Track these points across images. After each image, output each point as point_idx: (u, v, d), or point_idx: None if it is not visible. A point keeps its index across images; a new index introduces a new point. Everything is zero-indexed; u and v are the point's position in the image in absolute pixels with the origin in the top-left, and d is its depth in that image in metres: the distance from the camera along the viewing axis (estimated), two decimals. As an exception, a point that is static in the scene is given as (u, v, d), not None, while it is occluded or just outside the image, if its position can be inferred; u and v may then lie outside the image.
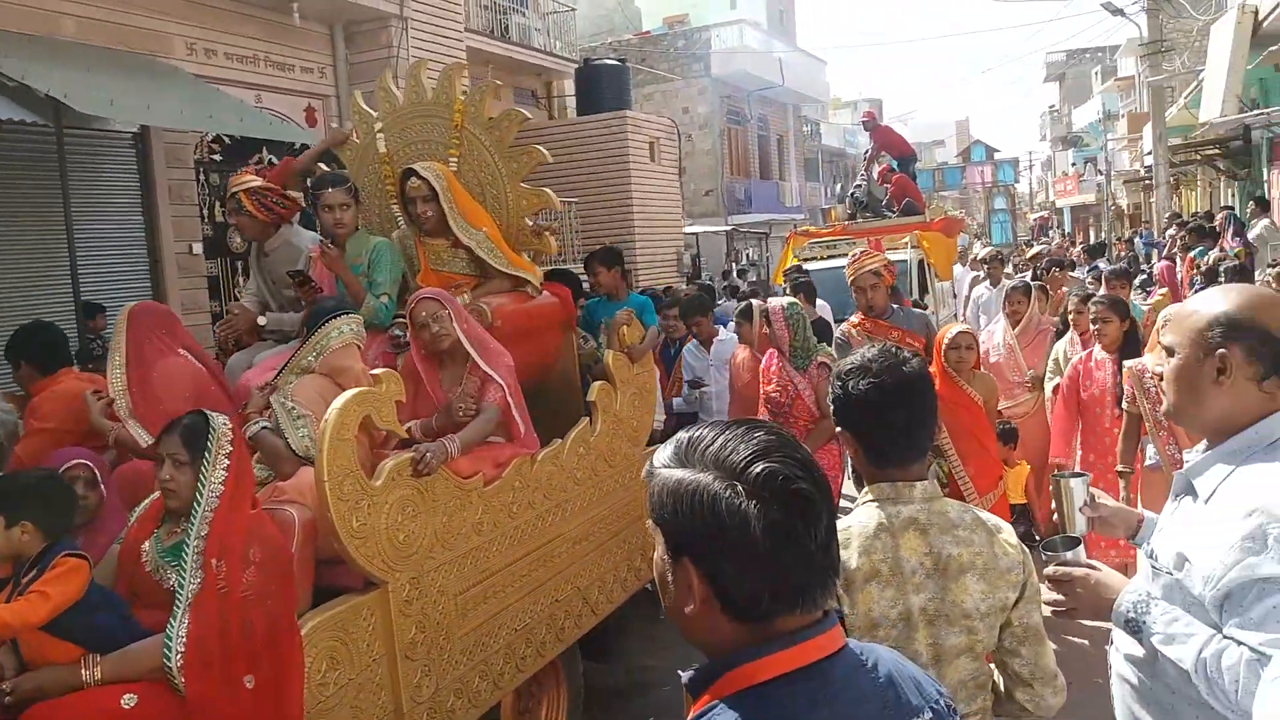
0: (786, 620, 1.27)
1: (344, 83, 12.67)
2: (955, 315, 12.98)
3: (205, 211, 10.91)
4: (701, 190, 25.33)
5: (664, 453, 1.35)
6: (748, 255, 26.71)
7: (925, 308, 11.22)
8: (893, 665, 1.37)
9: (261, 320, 4.55)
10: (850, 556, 2.16)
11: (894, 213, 14.19)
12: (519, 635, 4.02)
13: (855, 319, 5.78)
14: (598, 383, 4.83)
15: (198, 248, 10.59)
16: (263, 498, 3.46)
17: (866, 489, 2.28)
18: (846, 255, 12.14)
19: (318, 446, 3.22)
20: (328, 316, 3.77)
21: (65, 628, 2.80)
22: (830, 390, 2.31)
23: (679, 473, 1.29)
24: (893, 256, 11.85)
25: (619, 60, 19.97)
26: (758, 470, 1.25)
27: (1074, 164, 46.77)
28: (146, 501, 3.26)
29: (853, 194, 15.54)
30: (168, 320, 4.04)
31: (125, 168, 10.02)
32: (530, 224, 4.90)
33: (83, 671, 2.77)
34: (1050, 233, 36.29)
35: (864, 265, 5.79)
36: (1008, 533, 2.26)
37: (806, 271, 10.07)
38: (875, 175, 15.23)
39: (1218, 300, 2.00)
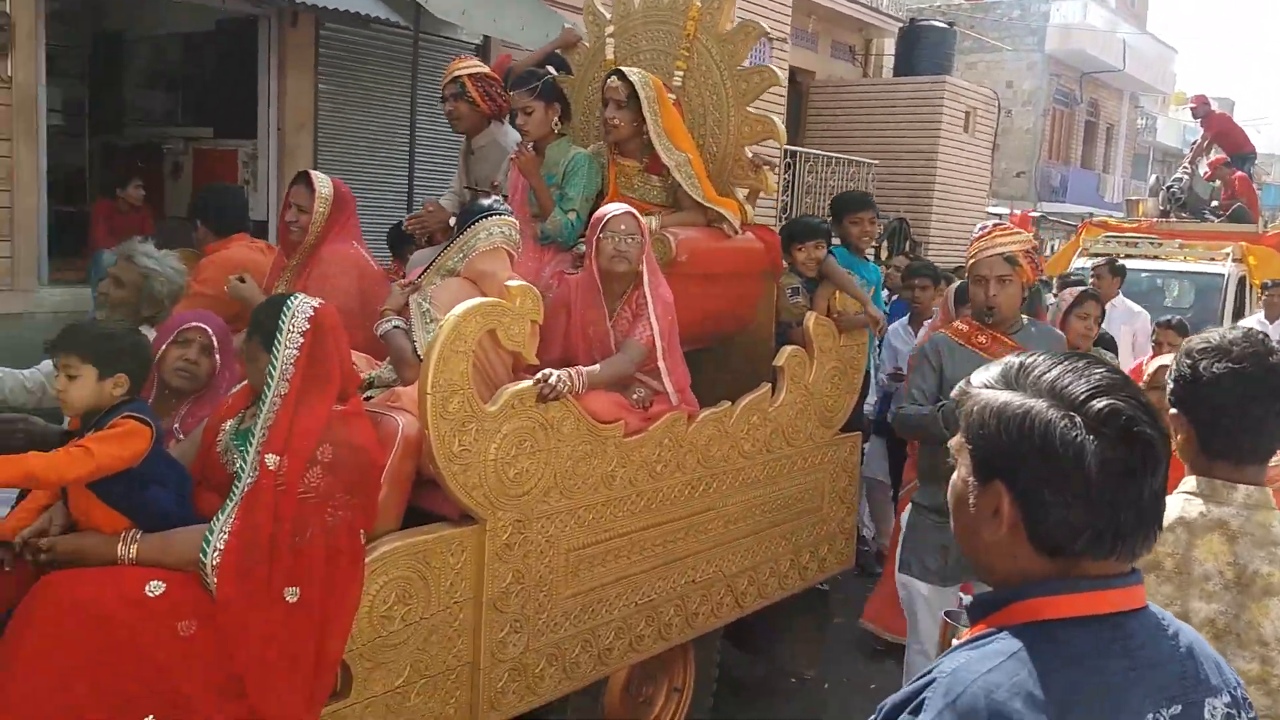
0: (1096, 564, 1.22)
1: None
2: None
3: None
4: (1013, 171, 23.39)
5: (986, 374, 1.31)
6: (1052, 247, 24.49)
7: None
8: (1194, 639, 1.29)
9: (453, 221, 4.16)
10: None
11: (1219, 216, 12.01)
12: (639, 611, 3.44)
13: (960, 324, 3.89)
14: (790, 347, 4.07)
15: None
16: (378, 401, 3.06)
17: (1187, 478, 2.03)
18: (1150, 257, 10.49)
19: (426, 354, 2.76)
20: (478, 216, 3.29)
21: (113, 496, 2.49)
22: (1175, 366, 2.03)
23: (1006, 394, 1.25)
24: (1203, 268, 10.17)
25: (947, 24, 18.53)
26: (1099, 406, 1.20)
27: None
28: (251, 380, 2.92)
29: (1169, 187, 13.11)
30: (350, 207, 3.71)
31: None
32: (749, 155, 4.15)
33: (119, 546, 2.45)
34: None
35: (994, 244, 3.73)
36: None
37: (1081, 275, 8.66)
38: (1202, 170, 12.95)
39: None
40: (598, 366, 3.28)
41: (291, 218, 3.49)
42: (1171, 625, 1.28)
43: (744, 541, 3.88)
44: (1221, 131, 13.41)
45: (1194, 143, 14.03)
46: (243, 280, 3.48)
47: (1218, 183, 12.56)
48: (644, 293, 3.43)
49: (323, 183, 3.57)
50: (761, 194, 4.23)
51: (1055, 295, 7.79)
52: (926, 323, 5.80)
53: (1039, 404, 1.21)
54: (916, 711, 1.19)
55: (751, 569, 3.94)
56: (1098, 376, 1.23)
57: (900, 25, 17.90)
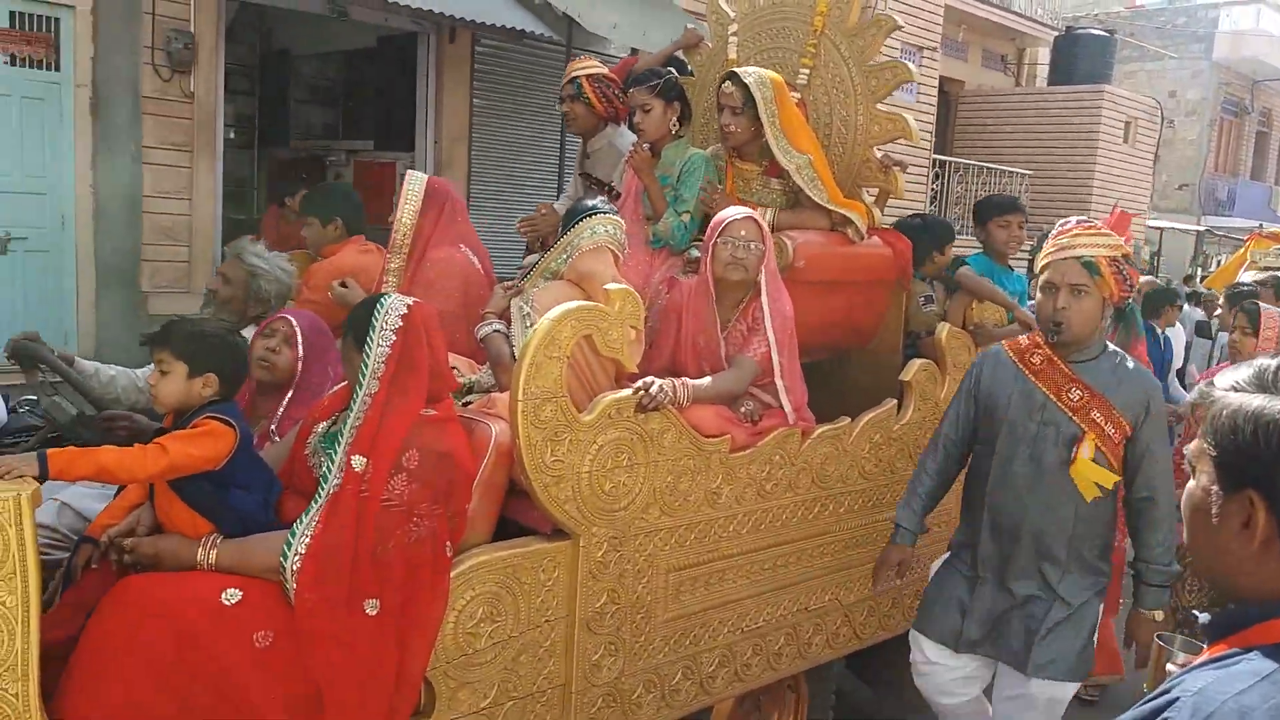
0: None
1: (817, 30, 11.93)
2: None
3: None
4: (1175, 183, 21.92)
5: (1235, 375, 1.20)
6: (1217, 261, 22.83)
7: None
8: None
9: None
10: None
11: None
12: (746, 638, 3.15)
13: (1024, 339, 3.03)
14: (919, 360, 3.68)
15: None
16: (474, 408, 2.88)
17: None
18: None
19: (519, 359, 2.56)
20: (581, 215, 3.07)
21: (196, 498, 2.36)
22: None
23: (1260, 399, 1.13)
24: None
25: (1106, 31, 17.51)
26: None
27: None
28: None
29: None
30: (456, 207, 3.53)
31: None
32: (878, 155, 3.78)
33: (199, 551, 2.32)
34: None
35: (1074, 245, 2.82)
36: None
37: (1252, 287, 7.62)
38: None
39: None
40: (706, 380, 3.01)
41: (394, 217, 3.36)
42: None
43: (864, 569, 3.49)
44: None
45: None
46: (345, 285, 3.36)
47: None
48: (761, 304, 3.14)
49: (413, 180, 3.41)
50: (895, 198, 3.87)
51: (1222, 308, 7.14)
52: None
53: None
54: None
55: (871, 598, 3.56)
56: None
57: (1055, 34, 17.04)
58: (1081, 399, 2.82)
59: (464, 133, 8.92)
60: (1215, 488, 1.17)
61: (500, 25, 7.55)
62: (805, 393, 3.26)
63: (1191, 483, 1.22)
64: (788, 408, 3.15)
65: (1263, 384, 1.17)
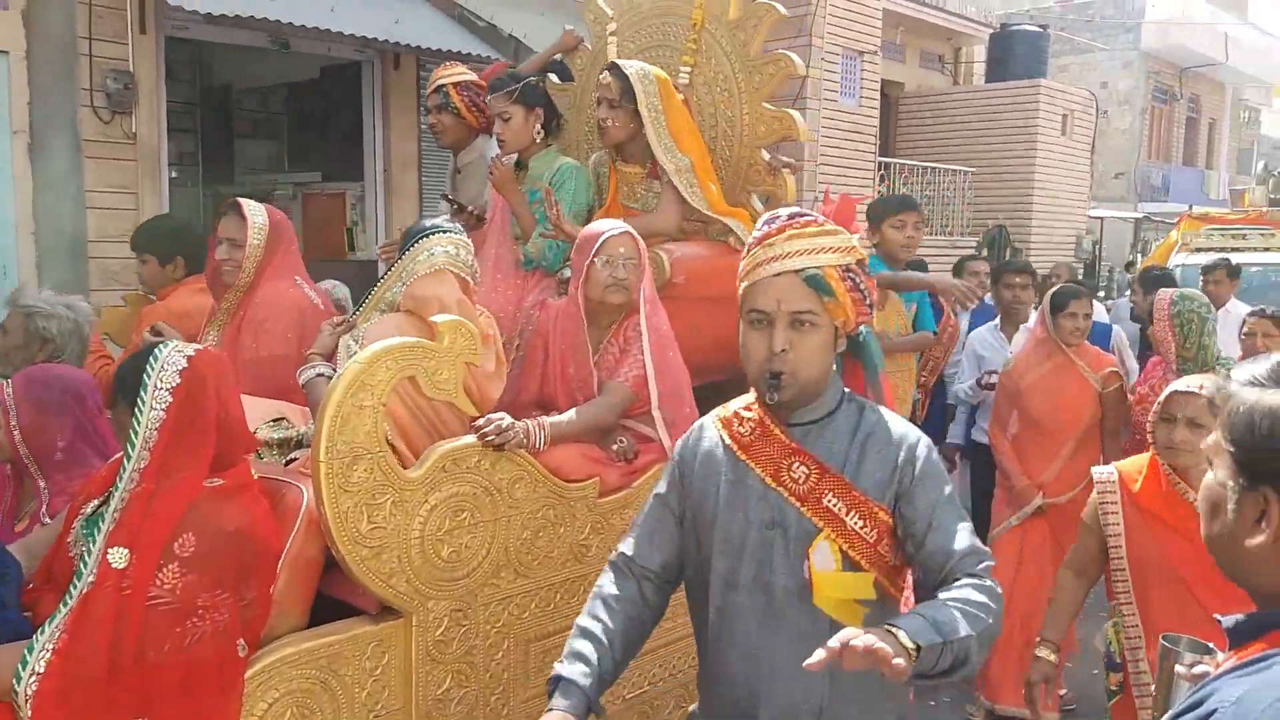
0: None
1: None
2: None
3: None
4: (1111, 172, 21.57)
5: (1253, 369, 1.13)
6: (1154, 248, 22.49)
7: None
8: None
9: None
10: None
11: None
12: (630, 708, 2.64)
13: (736, 403, 1.91)
14: None
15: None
16: (295, 466, 2.37)
17: None
18: (1262, 249, 8.87)
19: (319, 411, 2.04)
20: (416, 237, 2.57)
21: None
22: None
23: (1275, 394, 1.08)
24: None
25: (1039, 27, 17.13)
26: None
27: None
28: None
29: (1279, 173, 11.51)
30: (293, 238, 3.03)
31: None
32: (767, 157, 3.39)
33: None
34: None
35: (789, 254, 1.77)
36: None
37: (1165, 269, 7.25)
38: None
39: None
40: (568, 415, 2.56)
41: (223, 254, 2.82)
42: None
43: None
44: None
45: None
46: (158, 332, 2.84)
47: None
48: (636, 323, 2.73)
49: (255, 211, 2.89)
50: (786, 202, 3.39)
51: (1137, 294, 6.59)
52: (1024, 327, 4.83)
53: None
54: None
55: None
56: None
57: (990, 31, 16.66)
58: (808, 478, 1.74)
59: (413, 159, 8.49)
60: (1232, 483, 1.12)
61: (444, 49, 7.15)
62: (694, 419, 2.74)
63: (1209, 476, 1.18)
64: (667, 441, 2.67)
65: (1278, 379, 1.11)
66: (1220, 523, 1.15)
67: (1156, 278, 6.24)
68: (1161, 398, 2.65)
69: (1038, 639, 2.72)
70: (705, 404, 2.96)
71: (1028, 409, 4.04)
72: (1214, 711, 1.03)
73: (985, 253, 14.06)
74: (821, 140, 11.63)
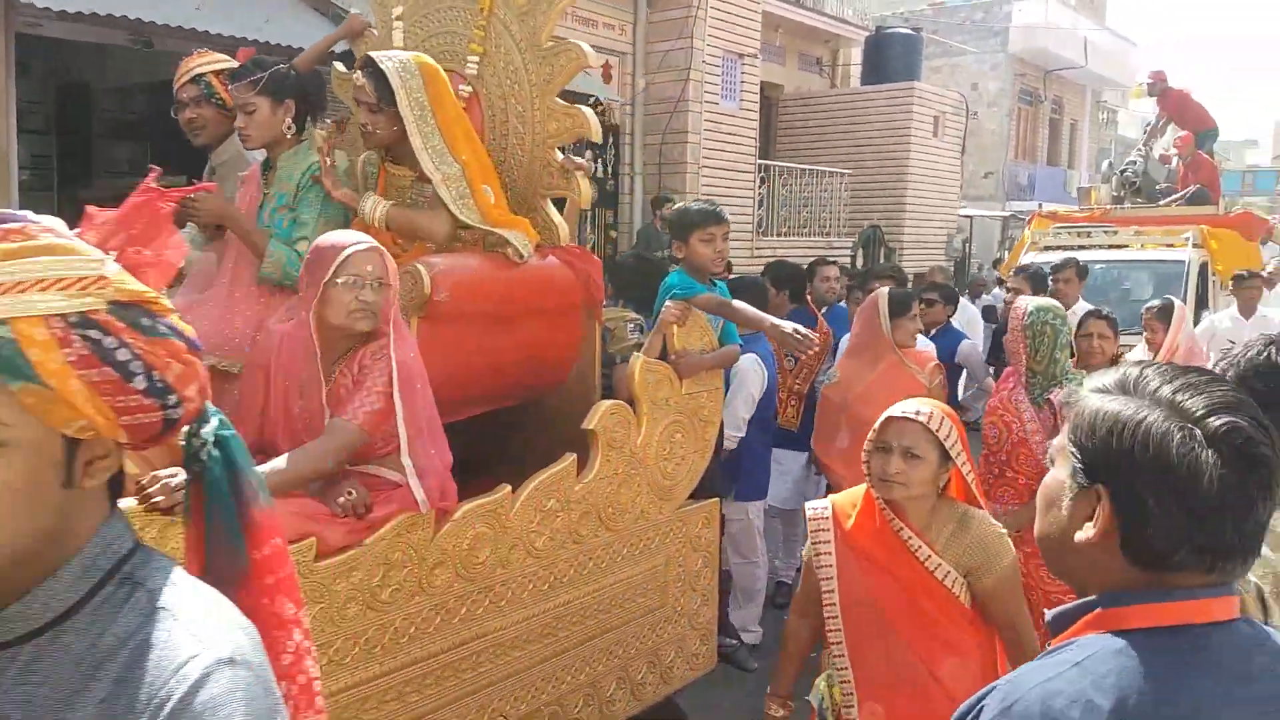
0: (1186, 578, 1.11)
1: (641, 42, 11.74)
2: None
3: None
4: (981, 172, 22.65)
5: (1103, 379, 1.22)
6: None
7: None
8: None
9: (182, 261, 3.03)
10: None
11: (1179, 199, 10.46)
12: (541, 712, 2.71)
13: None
14: (605, 404, 3.06)
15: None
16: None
17: None
18: (1106, 246, 9.29)
19: None
20: None
21: None
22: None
23: (1119, 402, 1.16)
24: (1164, 255, 8.88)
25: (912, 29, 17.83)
26: (1220, 423, 1.11)
27: None
28: None
29: (1123, 171, 11.38)
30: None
31: None
32: (560, 158, 3.17)
33: None
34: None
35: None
36: None
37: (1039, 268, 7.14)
38: (1158, 153, 11.45)
39: None
40: (273, 464, 2.24)
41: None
42: (1271, 639, 1.14)
43: (541, 670, 2.87)
44: (1180, 108, 11.75)
45: (1149, 124, 12.34)
46: None
47: (1176, 163, 11.03)
48: (376, 351, 2.43)
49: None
50: (580, 206, 3.32)
51: (1008, 291, 6.77)
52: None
53: (1156, 414, 1.13)
54: (976, 717, 1.13)
55: (556, 703, 2.96)
56: (1219, 393, 1.16)
57: (866, 34, 17.24)
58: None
59: (280, 160, 8.30)
60: (1070, 482, 1.19)
61: (301, 47, 6.96)
62: (448, 457, 2.56)
63: (1049, 475, 1.25)
64: (419, 492, 2.43)
65: (1125, 388, 1.19)
66: (1054, 518, 1.22)
67: (1035, 275, 6.39)
68: (877, 424, 2.43)
69: (767, 691, 2.63)
70: (478, 441, 3.03)
71: (863, 416, 3.78)
72: (996, 687, 1.15)
73: (861, 253, 14.65)
74: (704, 143, 11.91)
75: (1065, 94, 26.44)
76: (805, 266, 6.02)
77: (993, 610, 2.41)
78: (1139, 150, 11.74)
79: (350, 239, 2.47)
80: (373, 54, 2.96)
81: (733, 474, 4.41)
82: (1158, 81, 11.88)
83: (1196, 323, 8.03)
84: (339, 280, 2.38)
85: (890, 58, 16.41)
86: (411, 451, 2.40)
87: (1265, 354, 1.87)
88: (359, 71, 2.94)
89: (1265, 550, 1.65)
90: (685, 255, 3.66)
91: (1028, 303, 3.84)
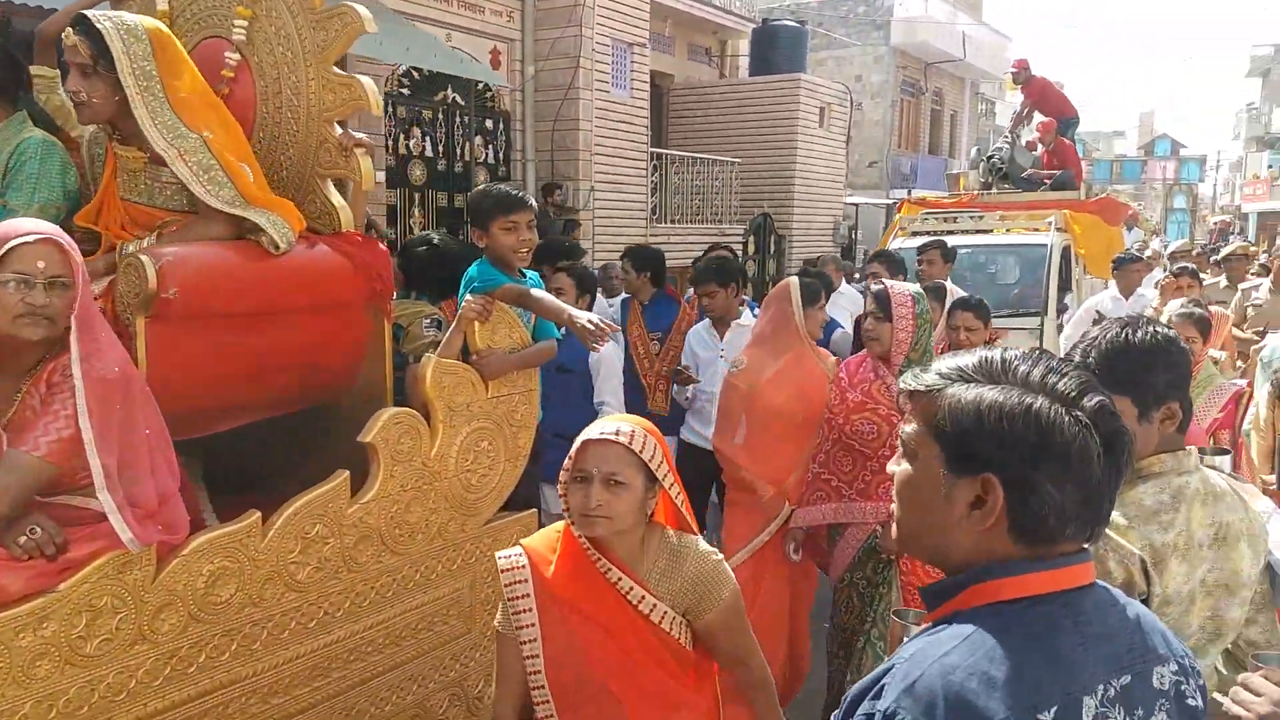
0: (1063, 545, 1.20)
1: (530, 27, 11.85)
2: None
3: (390, 142, 10.48)
4: (866, 161, 23.43)
5: (955, 365, 1.24)
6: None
7: (1064, 310, 8.49)
8: (1142, 611, 1.27)
9: None
10: (1159, 531, 1.88)
11: (1043, 185, 10.56)
12: (405, 711, 2.68)
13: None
14: (387, 412, 2.72)
15: (380, 176, 10.13)
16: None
17: (1158, 457, 1.94)
18: (972, 233, 9.37)
19: None
20: None
21: None
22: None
23: (993, 390, 1.19)
24: (1026, 240, 8.98)
25: (798, 23, 18.38)
26: (1093, 402, 1.19)
27: (1270, 167, 42.00)
28: None
29: (990, 158, 11.42)
30: None
31: None
32: (339, 134, 2.87)
33: None
34: (1231, 238, 32.51)
35: None
36: (1251, 497, 2.08)
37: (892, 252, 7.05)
38: (1024, 139, 11.58)
39: None
40: None
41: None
42: (1120, 599, 1.27)
43: (313, 715, 2.58)
44: (1043, 96, 11.90)
45: (1016, 112, 12.50)
46: None
47: (1040, 150, 11.19)
48: (66, 367, 2.06)
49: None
50: (364, 188, 3.01)
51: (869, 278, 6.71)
52: (735, 324, 4.84)
53: (1038, 399, 1.18)
54: (877, 697, 1.16)
55: None
56: (1079, 374, 1.23)
57: (753, 26, 17.69)
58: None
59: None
60: (944, 472, 1.21)
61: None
62: (174, 480, 2.24)
63: (906, 467, 1.27)
64: (124, 530, 2.06)
65: (992, 376, 1.22)
66: (929, 507, 1.24)
67: (890, 258, 6.34)
68: (573, 449, 2.13)
69: None
70: (262, 454, 2.85)
71: (772, 405, 3.83)
72: (893, 666, 1.18)
73: (752, 240, 15.09)
74: (595, 130, 12.13)
75: (945, 86, 27.51)
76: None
77: (718, 647, 2.21)
78: (1005, 137, 11.82)
79: (17, 229, 2.07)
80: (88, 11, 2.60)
81: None
82: (1021, 69, 12.07)
83: (1064, 310, 8.55)
84: (1, 280, 2.01)
85: (777, 49, 16.83)
86: (112, 482, 2.04)
87: (1123, 335, 1.96)
88: (69, 29, 2.54)
89: (1139, 524, 1.88)
90: (487, 244, 3.34)
91: (911, 289, 3.75)
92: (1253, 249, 10.12)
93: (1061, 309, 8.57)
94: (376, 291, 2.93)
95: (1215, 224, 37.81)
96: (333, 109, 2.85)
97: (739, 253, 14.70)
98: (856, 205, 20.72)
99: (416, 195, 10.80)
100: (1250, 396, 4.55)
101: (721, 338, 4.94)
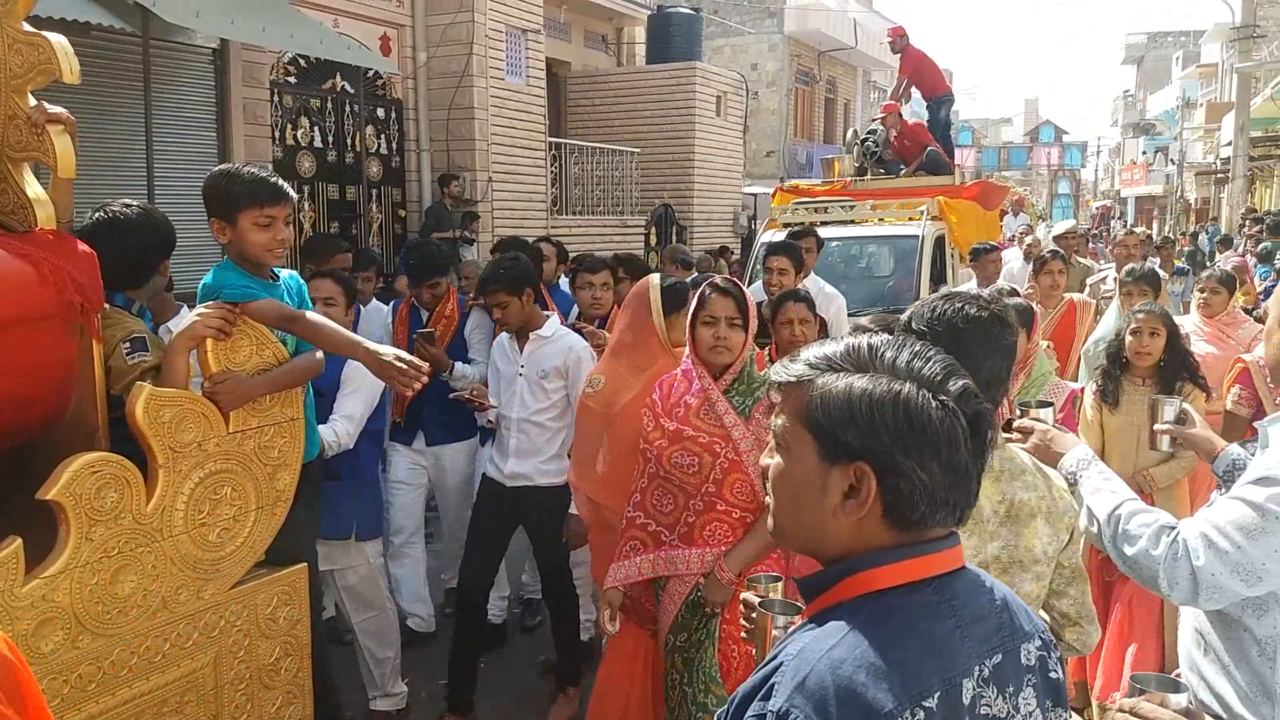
0: (934, 530, 1.23)
1: (420, 13, 11.58)
2: None
3: (277, 133, 10.13)
4: (763, 151, 23.73)
5: (821, 353, 1.25)
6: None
7: None
8: (1006, 592, 1.32)
9: None
10: None
11: (901, 170, 10.08)
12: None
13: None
14: (79, 460, 2.22)
15: (267, 169, 9.71)
16: None
17: None
18: (845, 222, 8.79)
19: None
20: None
21: None
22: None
23: (862, 379, 1.21)
24: (900, 230, 8.51)
25: (693, 9, 18.47)
26: (957, 386, 1.22)
27: (1144, 152, 44.12)
28: None
29: (864, 141, 10.73)
30: None
31: (203, 82, 9.37)
32: (31, 106, 2.42)
33: None
34: (1112, 222, 34.02)
35: None
36: (1057, 477, 2.17)
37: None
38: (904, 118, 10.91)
39: None
40: None
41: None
42: (987, 580, 1.30)
43: None
44: (918, 69, 11.17)
45: (892, 88, 11.76)
46: None
47: (892, 131, 10.47)
48: None
49: None
50: (60, 175, 2.49)
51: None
52: (534, 335, 4.16)
53: (906, 386, 1.20)
54: (767, 697, 1.16)
55: None
56: (940, 357, 1.25)
57: (649, 12, 17.69)
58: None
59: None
60: (818, 462, 1.23)
61: (62, 18, 6.59)
62: None
63: (777, 459, 1.28)
64: None
65: (860, 364, 1.23)
66: (804, 498, 1.25)
67: (676, 254, 6.32)
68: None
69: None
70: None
71: (636, 429, 3.23)
72: (781, 664, 1.19)
73: (654, 231, 15.11)
74: (491, 119, 11.95)
75: (839, 75, 28.03)
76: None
77: None
78: (881, 118, 11.06)
79: None
80: None
81: (348, 509, 3.90)
82: (898, 37, 11.31)
83: (919, 297, 8.37)
84: None
85: (673, 37, 16.89)
86: None
87: (937, 307, 2.03)
88: None
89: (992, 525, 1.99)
90: (231, 241, 2.75)
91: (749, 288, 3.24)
92: (1142, 233, 9.99)
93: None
94: (72, 305, 2.34)
95: (1097, 208, 39.49)
96: (22, 77, 2.37)
97: (645, 243, 14.75)
98: (755, 195, 20.95)
99: (306, 188, 10.44)
100: None
101: (521, 350, 4.17)
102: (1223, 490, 2.25)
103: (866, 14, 27.56)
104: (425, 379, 2.68)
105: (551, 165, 13.52)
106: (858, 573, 1.22)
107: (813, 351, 1.27)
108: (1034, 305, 4.55)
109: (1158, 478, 4.00)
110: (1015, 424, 2.32)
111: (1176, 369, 4.09)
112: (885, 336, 1.29)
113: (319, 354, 2.83)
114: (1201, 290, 5.53)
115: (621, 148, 15.22)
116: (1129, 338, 4.10)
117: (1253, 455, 2.18)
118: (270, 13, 8.88)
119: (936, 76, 11.31)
